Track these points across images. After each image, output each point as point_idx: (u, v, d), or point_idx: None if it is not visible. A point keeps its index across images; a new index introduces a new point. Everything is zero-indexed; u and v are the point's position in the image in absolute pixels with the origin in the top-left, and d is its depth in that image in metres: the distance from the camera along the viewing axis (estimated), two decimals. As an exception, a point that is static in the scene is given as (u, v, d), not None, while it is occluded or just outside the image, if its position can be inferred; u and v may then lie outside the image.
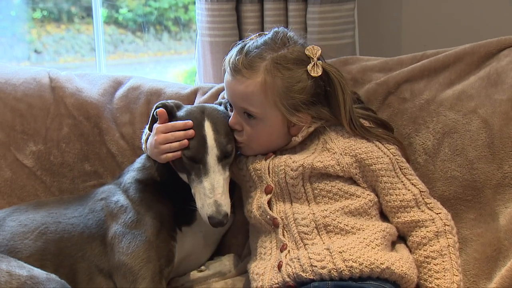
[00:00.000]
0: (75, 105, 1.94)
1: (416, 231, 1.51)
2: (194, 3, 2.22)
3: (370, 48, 2.30)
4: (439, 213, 1.52)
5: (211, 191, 1.53)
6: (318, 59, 1.55)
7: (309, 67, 1.54)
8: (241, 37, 2.12)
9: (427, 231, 1.50)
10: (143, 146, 1.74)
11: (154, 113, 1.64)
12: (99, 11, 2.54)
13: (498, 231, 1.55)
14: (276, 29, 1.61)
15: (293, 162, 1.55)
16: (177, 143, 1.56)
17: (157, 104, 1.65)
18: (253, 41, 1.59)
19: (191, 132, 1.56)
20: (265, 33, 1.63)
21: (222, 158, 1.57)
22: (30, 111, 1.94)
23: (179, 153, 1.57)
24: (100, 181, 1.91)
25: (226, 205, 1.53)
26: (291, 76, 1.54)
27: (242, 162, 1.64)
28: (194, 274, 1.73)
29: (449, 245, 1.48)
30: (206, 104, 1.71)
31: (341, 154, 1.55)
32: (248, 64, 1.54)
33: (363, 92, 1.79)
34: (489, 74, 1.66)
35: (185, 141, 1.56)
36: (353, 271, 1.41)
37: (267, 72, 1.52)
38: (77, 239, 1.64)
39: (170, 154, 1.57)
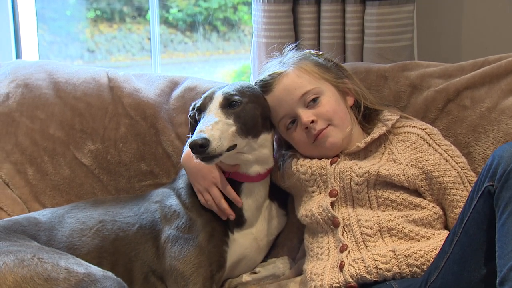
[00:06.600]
0: (132, 105, 1.96)
1: None
2: (244, 3, 2.20)
3: (429, 50, 2.26)
4: None
5: (201, 125, 1.53)
6: None
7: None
8: (297, 39, 2.09)
9: None
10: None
11: (191, 114, 1.69)
12: (156, 12, 2.55)
13: None
14: None
15: (359, 168, 1.56)
16: (216, 207, 1.64)
17: (192, 105, 1.70)
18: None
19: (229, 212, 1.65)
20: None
21: (226, 105, 1.58)
22: (89, 110, 1.97)
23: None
24: (156, 181, 1.93)
25: (209, 134, 1.48)
26: (312, 58, 1.69)
27: (305, 167, 1.64)
28: (248, 276, 1.74)
29: None
30: None
31: (407, 165, 1.55)
32: (280, 67, 1.68)
33: (422, 100, 1.77)
34: (555, 81, 1.63)
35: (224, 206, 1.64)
36: (415, 276, 1.42)
37: (295, 63, 1.67)
38: (132, 238, 1.67)
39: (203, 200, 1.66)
